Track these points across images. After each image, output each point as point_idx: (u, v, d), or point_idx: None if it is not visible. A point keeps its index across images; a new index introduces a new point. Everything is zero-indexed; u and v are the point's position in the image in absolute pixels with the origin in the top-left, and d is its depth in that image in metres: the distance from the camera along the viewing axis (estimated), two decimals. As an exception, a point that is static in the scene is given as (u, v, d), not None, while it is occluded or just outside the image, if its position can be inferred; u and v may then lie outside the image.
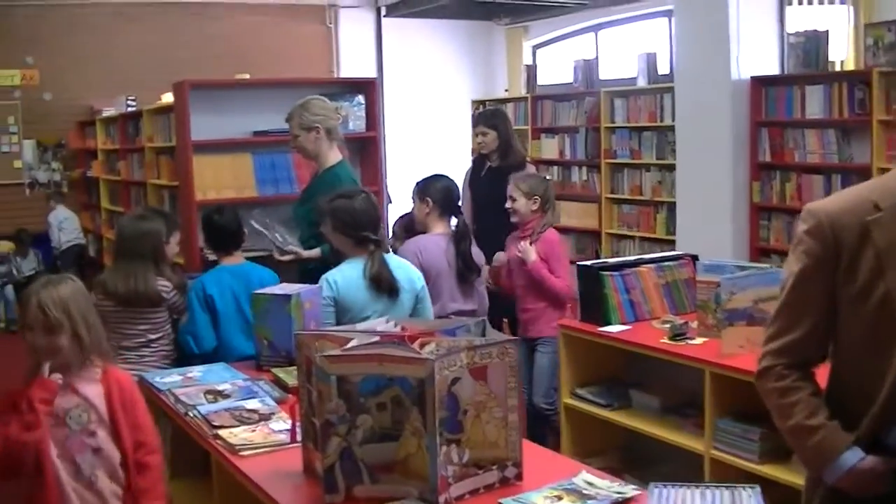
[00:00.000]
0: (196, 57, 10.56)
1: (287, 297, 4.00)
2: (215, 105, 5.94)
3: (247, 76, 7.23)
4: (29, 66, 11.36)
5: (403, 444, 2.58)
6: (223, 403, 3.47)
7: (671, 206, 8.90)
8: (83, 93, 11.37)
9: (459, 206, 5.40)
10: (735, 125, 7.84)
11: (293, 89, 6.09)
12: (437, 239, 5.22)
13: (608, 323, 4.86)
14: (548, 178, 6.08)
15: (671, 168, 8.85)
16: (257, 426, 3.23)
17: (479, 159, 6.77)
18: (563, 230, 9.87)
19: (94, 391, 3.19)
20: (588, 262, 5.10)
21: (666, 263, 5.10)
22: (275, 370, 3.91)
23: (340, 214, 4.44)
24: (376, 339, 2.71)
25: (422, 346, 2.68)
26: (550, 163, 10.30)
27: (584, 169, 9.95)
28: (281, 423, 3.24)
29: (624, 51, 10.42)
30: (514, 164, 6.54)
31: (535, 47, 12.35)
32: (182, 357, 4.78)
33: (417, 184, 5.36)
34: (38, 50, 11.31)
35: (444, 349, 2.67)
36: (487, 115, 6.82)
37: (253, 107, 6.07)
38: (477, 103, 11.48)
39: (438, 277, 5.12)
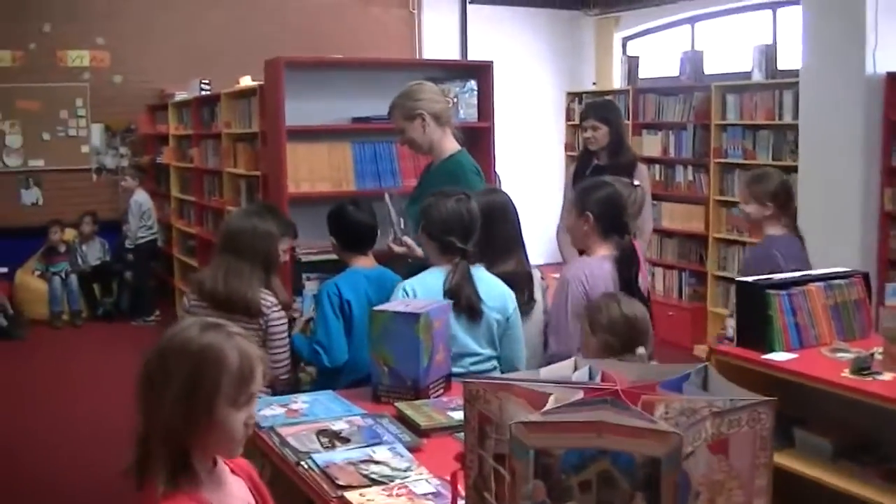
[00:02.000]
0: (274, 40, 9.91)
1: (414, 316, 3.35)
2: (310, 88, 5.32)
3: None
4: (99, 47, 10.79)
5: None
6: (344, 452, 2.83)
7: (789, 212, 8.15)
8: (154, 76, 10.79)
9: (627, 223, 4.42)
10: (867, 125, 7.21)
11: (397, 72, 5.52)
12: (602, 262, 4.23)
13: (771, 349, 4.18)
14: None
15: (790, 170, 8.08)
16: (394, 487, 2.57)
17: (585, 155, 6.05)
18: (666, 233, 9.23)
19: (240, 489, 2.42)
20: (749, 279, 4.39)
21: (835, 282, 4.40)
22: (398, 404, 3.26)
23: (428, 213, 3.88)
24: (579, 394, 2.03)
25: (646, 406, 2.00)
26: (653, 161, 9.59)
27: (690, 168, 9.24)
28: (424, 484, 2.58)
29: (728, 43, 9.67)
30: (625, 163, 5.84)
31: (626, 39, 11.67)
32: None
33: (576, 193, 4.54)
34: (109, 31, 10.74)
35: (679, 413, 1.99)
36: (599, 107, 6.09)
37: (352, 91, 5.44)
38: (572, 95, 10.80)
39: None
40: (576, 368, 2.31)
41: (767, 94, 8.37)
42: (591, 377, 2.25)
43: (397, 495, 2.52)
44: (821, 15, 7.33)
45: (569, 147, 10.80)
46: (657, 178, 9.36)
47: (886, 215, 7.25)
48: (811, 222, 7.51)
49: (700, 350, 8.26)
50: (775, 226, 4.89)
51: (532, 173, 11.38)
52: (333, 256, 4.57)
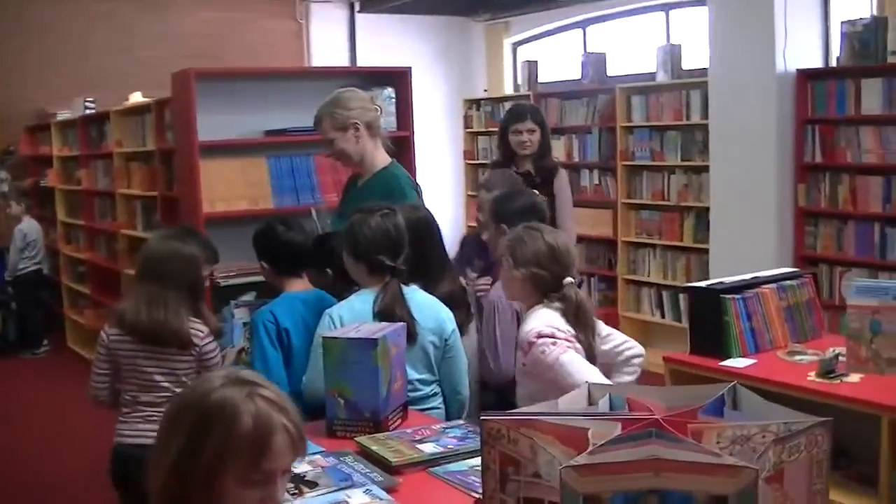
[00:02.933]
0: (161, 56, 9.49)
1: (371, 342, 3.07)
2: (220, 101, 4.99)
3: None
4: (-29, 68, 10.20)
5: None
6: (315, 498, 2.54)
7: (700, 212, 8.12)
8: (33, 94, 10.22)
9: None
10: (779, 122, 7.17)
11: (310, 81, 5.26)
12: None
13: (728, 356, 4.02)
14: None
15: (699, 170, 8.08)
16: (384, 536, 2.30)
17: (503, 162, 5.75)
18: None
19: None
20: (702, 284, 4.22)
21: (787, 283, 4.26)
22: (359, 439, 2.98)
23: (353, 232, 3.62)
24: (617, 428, 1.78)
25: (695, 436, 1.77)
26: (556, 166, 9.44)
27: (597, 172, 9.12)
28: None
29: (630, 45, 9.59)
30: (550, 168, 5.67)
31: (516, 44, 11.53)
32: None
33: (492, 204, 4.37)
34: (-19, 50, 10.16)
35: (731, 442, 1.77)
36: (534, 111, 5.82)
37: (264, 103, 5.14)
38: (469, 102, 10.60)
39: None
40: (590, 396, 2.08)
41: (674, 95, 8.29)
42: (612, 406, 2.01)
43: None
44: (728, 14, 7.26)
45: (468, 155, 10.60)
46: (563, 182, 9.19)
47: (801, 212, 7.20)
48: (724, 222, 7.48)
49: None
50: None
51: (432, 184, 11.14)
52: (255, 279, 4.28)
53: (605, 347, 3.61)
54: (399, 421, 3.21)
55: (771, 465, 1.71)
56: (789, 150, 7.18)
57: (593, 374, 3.28)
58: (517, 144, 5.59)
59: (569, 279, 3.42)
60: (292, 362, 3.72)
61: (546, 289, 3.45)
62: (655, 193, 8.53)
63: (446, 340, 3.67)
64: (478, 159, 10.50)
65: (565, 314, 3.47)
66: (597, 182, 9.09)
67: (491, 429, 1.86)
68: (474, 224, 6.48)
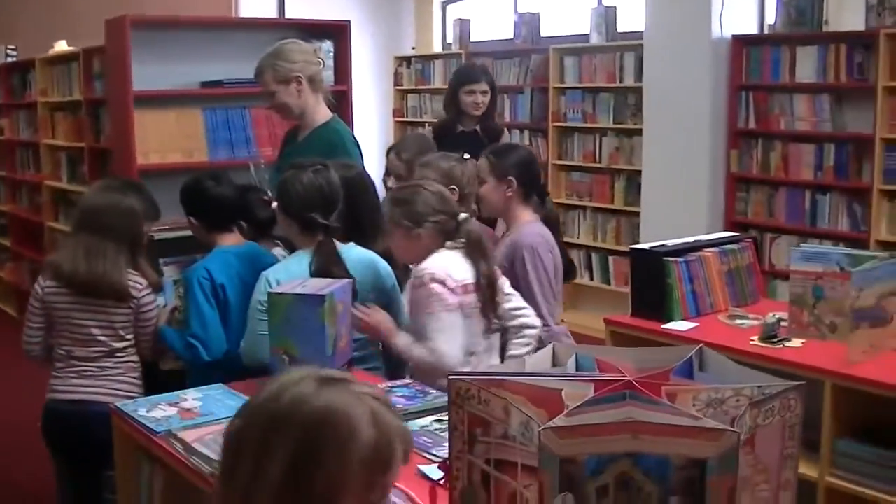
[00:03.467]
0: (86, 5, 9.22)
1: (319, 298, 3.00)
2: (155, 50, 4.85)
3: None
4: None
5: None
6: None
7: (631, 175, 8.13)
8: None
9: (545, 186, 4.28)
10: (714, 88, 7.20)
11: (248, 33, 5.14)
12: (542, 226, 4.21)
13: (670, 319, 4.01)
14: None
15: (631, 133, 8.08)
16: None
17: (448, 122, 5.73)
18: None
19: None
20: (645, 246, 4.20)
21: (728, 247, 4.26)
22: (306, 397, 2.90)
23: (285, 189, 3.54)
24: (590, 389, 1.75)
25: (670, 399, 1.74)
26: (487, 126, 9.39)
27: (528, 133, 9.08)
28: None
29: (564, 6, 9.52)
30: (496, 130, 5.68)
31: (446, 2, 11.39)
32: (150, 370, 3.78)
33: (489, 158, 4.23)
34: None
35: (705, 405, 1.74)
36: (487, 72, 5.85)
37: (200, 53, 5.00)
38: (400, 59, 10.47)
39: (557, 278, 4.20)
40: (554, 356, 2.04)
41: (608, 57, 8.27)
42: (579, 367, 1.97)
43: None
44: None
45: (397, 113, 10.49)
46: (494, 143, 9.14)
47: (733, 177, 7.25)
48: (656, 186, 7.49)
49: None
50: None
51: (360, 141, 11.00)
52: (189, 233, 4.17)
53: (506, 306, 3.60)
54: (346, 379, 3.15)
55: (746, 429, 1.68)
56: (722, 116, 7.21)
57: (452, 346, 3.35)
58: (469, 105, 5.58)
59: (464, 214, 3.41)
60: (229, 319, 3.63)
61: (449, 233, 3.43)
62: (587, 155, 8.52)
63: (388, 295, 3.61)
64: (407, 117, 10.39)
65: (468, 253, 3.47)
66: (527, 143, 9.05)
67: (460, 388, 1.81)
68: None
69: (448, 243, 3.48)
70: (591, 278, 8.62)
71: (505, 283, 3.63)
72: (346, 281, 3.23)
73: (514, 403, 1.71)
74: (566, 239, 8.67)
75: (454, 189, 4.04)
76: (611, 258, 8.40)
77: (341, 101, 5.08)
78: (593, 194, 8.50)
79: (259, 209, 4.00)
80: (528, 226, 4.12)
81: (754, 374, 1.97)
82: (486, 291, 3.46)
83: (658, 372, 1.86)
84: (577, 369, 1.94)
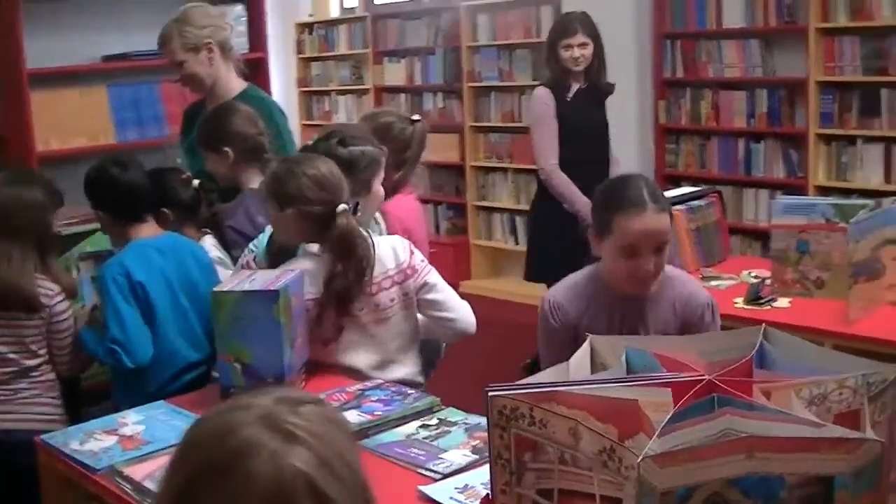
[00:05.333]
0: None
1: (272, 294, 2.62)
2: (47, 22, 4.37)
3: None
4: None
5: None
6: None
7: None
8: None
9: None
10: (639, 39, 6.93)
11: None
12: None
13: (642, 284, 3.70)
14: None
15: (552, 89, 7.74)
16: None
17: (562, 79, 5.11)
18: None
19: None
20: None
21: (694, 203, 3.97)
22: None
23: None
24: (667, 395, 1.41)
25: (766, 397, 1.42)
26: (398, 90, 9.02)
27: (441, 95, 8.70)
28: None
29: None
30: (609, 85, 5.25)
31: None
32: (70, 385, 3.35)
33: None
34: None
35: (808, 402, 1.42)
36: (586, 22, 5.18)
37: (100, 23, 4.53)
38: (302, 26, 9.98)
39: None
40: (594, 352, 1.70)
41: (523, 12, 7.92)
42: (630, 367, 1.63)
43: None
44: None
45: (301, 83, 10.02)
46: (403, 106, 8.77)
47: (661, 129, 6.99)
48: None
49: (467, 286, 7.82)
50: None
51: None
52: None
53: (426, 296, 3.07)
54: (303, 384, 2.79)
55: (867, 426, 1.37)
56: (648, 66, 6.95)
57: None
58: (569, 60, 5.03)
59: (342, 206, 2.95)
60: (156, 320, 3.21)
61: (319, 223, 2.95)
62: (505, 115, 8.18)
63: None
64: (312, 86, 9.94)
65: (336, 252, 2.94)
66: (441, 106, 8.70)
67: (504, 407, 1.46)
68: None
69: (305, 247, 3.03)
70: (516, 242, 8.31)
71: (431, 276, 3.09)
72: (298, 271, 2.85)
73: (585, 423, 1.36)
74: (486, 203, 8.41)
75: (382, 149, 3.60)
76: (535, 221, 8.08)
77: (258, 70, 4.68)
78: (514, 155, 8.18)
79: (181, 190, 3.57)
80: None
81: (832, 354, 1.66)
82: (334, 302, 2.93)
83: (736, 365, 1.53)
84: (629, 370, 1.60)
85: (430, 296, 3.03)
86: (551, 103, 4.97)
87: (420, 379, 3.10)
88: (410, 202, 3.68)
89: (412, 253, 3.03)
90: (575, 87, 5.04)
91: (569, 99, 5.02)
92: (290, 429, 1.26)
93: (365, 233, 2.97)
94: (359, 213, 3.06)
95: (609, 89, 5.19)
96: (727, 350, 1.61)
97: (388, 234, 3.33)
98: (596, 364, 1.67)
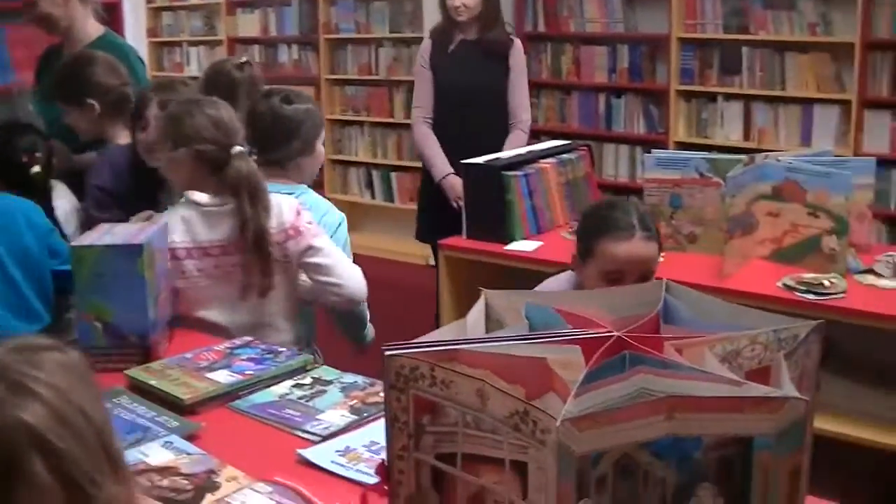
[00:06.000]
0: None
1: (135, 248, 2.46)
2: None
3: None
4: None
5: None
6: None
7: (412, 86, 7.67)
8: None
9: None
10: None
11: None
12: None
13: (511, 239, 3.65)
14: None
15: (410, 42, 7.65)
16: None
17: (445, 28, 4.84)
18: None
19: None
20: (480, 161, 3.81)
21: (564, 157, 3.92)
22: (130, 372, 2.38)
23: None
24: (578, 356, 1.32)
25: (678, 351, 1.36)
26: (251, 41, 8.78)
27: (296, 47, 8.50)
28: (255, 496, 1.78)
29: None
30: (502, 39, 4.75)
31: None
32: None
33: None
34: None
35: (721, 359, 1.36)
36: None
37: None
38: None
39: None
40: (489, 310, 1.60)
41: (381, -37, 7.78)
42: (532, 323, 1.54)
43: (232, 520, 1.70)
44: None
45: (151, 33, 9.65)
46: (259, 59, 8.53)
47: (522, 83, 6.93)
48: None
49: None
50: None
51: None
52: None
53: (311, 260, 2.87)
54: (167, 343, 2.64)
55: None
56: (509, 20, 6.83)
57: None
58: (451, 10, 4.69)
59: (237, 148, 2.83)
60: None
61: (213, 164, 2.82)
62: (362, 68, 8.04)
63: None
64: (162, 37, 9.59)
65: (240, 196, 2.79)
66: (296, 58, 8.51)
67: (402, 367, 1.35)
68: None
69: (196, 196, 2.84)
70: (373, 197, 8.21)
71: (321, 240, 2.90)
72: (162, 223, 2.69)
73: (494, 383, 1.27)
74: (342, 157, 8.26)
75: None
76: (393, 175, 8.00)
77: (113, 15, 4.44)
78: (371, 109, 8.05)
79: (23, 168, 3.28)
80: None
81: (739, 309, 1.60)
82: (252, 247, 2.79)
83: (643, 321, 1.45)
84: (531, 328, 1.51)
85: (314, 259, 2.84)
86: (426, 54, 4.81)
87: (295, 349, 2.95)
88: None
89: (299, 214, 2.84)
90: (458, 38, 4.76)
91: (450, 51, 4.76)
92: (20, 379, 1.23)
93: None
94: (253, 157, 2.92)
95: (499, 45, 4.74)
96: (631, 306, 1.53)
97: None
98: (492, 321, 1.57)
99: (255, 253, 2.76)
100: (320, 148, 3.19)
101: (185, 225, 2.76)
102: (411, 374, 1.35)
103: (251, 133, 3.00)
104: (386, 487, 1.42)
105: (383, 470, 1.43)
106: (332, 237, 2.96)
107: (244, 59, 3.59)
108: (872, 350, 3.09)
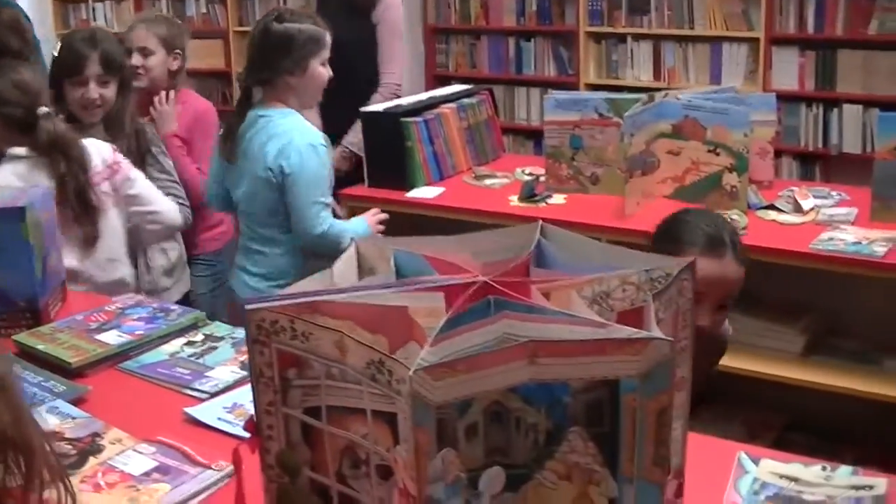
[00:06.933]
0: None
1: (17, 212, 2.39)
2: None
3: None
4: None
5: (535, 499, 1.26)
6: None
7: (322, 36, 7.58)
8: None
9: None
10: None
11: None
12: None
13: (413, 186, 3.63)
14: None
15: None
16: (94, 473, 1.71)
17: None
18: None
19: None
20: (378, 108, 3.76)
21: (465, 101, 3.89)
22: (17, 338, 2.33)
23: None
24: (440, 303, 1.29)
25: (547, 298, 1.34)
26: (156, -6, 8.60)
27: (203, 0, 8.33)
28: (137, 458, 1.75)
29: None
30: None
31: None
32: None
33: None
34: None
35: (591, 301, 1.35)
36: None
37: None
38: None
39: None
40: (360, 258, 1.57)
41: None
42: (399, 271, 1.51)
43: (109, 485, 1.66)
44: None
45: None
46: (165, 11, 8.35)
47: (431, 29, 6.90)
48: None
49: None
50: None
51: None
52: None
53: (129, 191, 3.06)
54: (59, 305, 2.57)
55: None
56: (416, -33, 6.81)
57: None
58: None
59: (43, 109, 2.89)
60: None
61: (20, 126, 2.90)
62: (271, 18, 7.89)
63: None
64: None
65: (51, 156, 2.89)
66: (204, 11, 8.35)
67: (263, 321, 1.32)
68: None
69: (17, 150, 2.91)
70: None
71: (134, 172, 3.09)
72: (44, 186, 2.63)
73: (352, 334, 1.24)
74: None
75: (178, 53, 3.79)
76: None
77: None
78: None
79: None
80: None
81: (613, 249, 1.59)
82: (75, 202, 2.89)
83: (513, 265, 1.43)
84: (399, 275, 1.48)
85: (132, 190, 3.02)
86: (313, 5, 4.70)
87: (133, 281, 3.08)
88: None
89: (114, 150, 3.02)
90: None
91: (319, 5, 4.64)
92: None
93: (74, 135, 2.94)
94: (60, 117, 2.98)
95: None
96: (503, 250, 1.51)
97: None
98: (364, 269, 1.54)
99: (79, 207, 2.88)
100: (318, 69, 3.20)
101: (21, 179, 2.81)
102: (272, 327, 1.32)
103: (247, 52, 3.22)
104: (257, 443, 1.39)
105: (252, 426, 1.39)
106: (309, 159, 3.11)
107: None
108: (775, 286, 3.11)
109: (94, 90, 3.25)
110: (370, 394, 1.23)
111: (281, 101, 3.17)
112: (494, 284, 1.35)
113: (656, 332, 1.22)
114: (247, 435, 1.53)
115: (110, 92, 3.28)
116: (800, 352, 3.18)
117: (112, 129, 3.22)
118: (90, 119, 3.26)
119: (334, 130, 3.91)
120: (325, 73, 3.21)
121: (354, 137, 4.15)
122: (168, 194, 3.21)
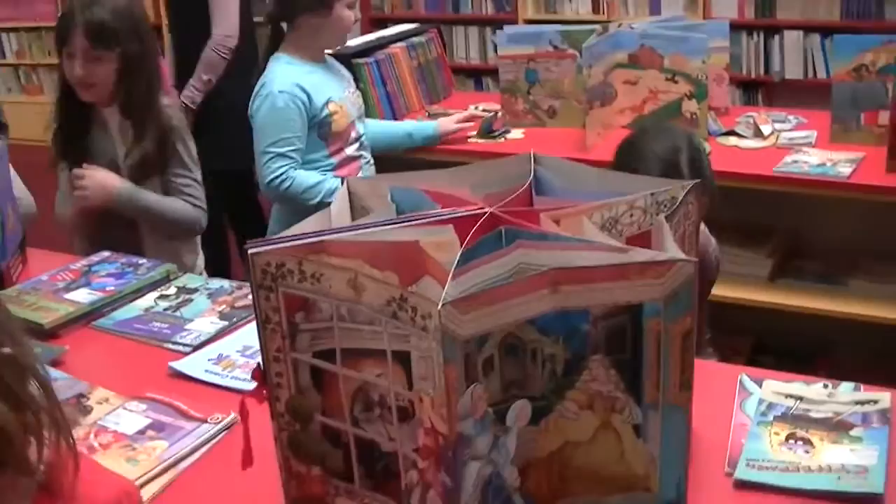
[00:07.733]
0: None
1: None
2: None
3: None
4: None
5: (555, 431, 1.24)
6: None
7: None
8: None
9: None
10: None
11: None
12: None
13: (367, 127, 3.56)
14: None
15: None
16: (87, 435, 1.67)
17: None
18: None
19: None
20: (327, 50, 3.68)
21: (414, 40, 3.83)
22: (-19, 298, 2.25)
23: None
24: (451, 235, 1.25)
25: (556, 223, 1.31)
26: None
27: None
28: (129, 416, 1.71)
29: None
30: None
31: None
32: None
33: None
34: None
35: (601, 227, 1.32)
36: None
37: None
38: None
39: None
40: (352, 195, 1.52)
41: None
42: (399, 207, 1.47)
43: (103, 446, 1.62)
44: None
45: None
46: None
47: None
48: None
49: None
50: None
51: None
52: None
53: None
54: (20, 267, 2.50)
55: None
56: None
57: None
58: None
59: None
60: None
61: None
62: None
63: None
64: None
65: None
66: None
67: (268, 264, 1.28)
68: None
69: None
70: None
71: None
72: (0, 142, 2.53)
73: (366, 272, 1.20)
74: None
75: None
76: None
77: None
78: None
79: None
80: None
81: (610, 174, 1.57)
82: None
83: (515, 195, 1.40)
84: (399, 212, 1.44)
85: None
86: None
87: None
88: None
89: None
90: None
91: None
92: None
93: None
94: None
95: None
96: (500, 181, 1.47)
97: None
98: (356, 209, 1.50)
99: None
100: (344, 11, 2.95)
101: None
102: (278, 270, 1.27)
103: None
104: (264, 392, 1.35)
105: (260, 374, 1.35)
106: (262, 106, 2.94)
107: None
108: (739, 212, 3.11)
109: (78, 66, 2.58)
110: (389, 333, 1.20)
111: (303, 46, 3.00)
112: (502, 215, 1.32)
113: (678, 254, 1.19)
114: (246, 386, 1.50)
115: (104, 70, 2.59)
116: (767, 276, 3.19)
117: (130, 119, 2.68)
118: (87, 99, 2.66)
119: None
120: (351, 15, 2.99)
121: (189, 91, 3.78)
122: (183, 195, 2.69)
